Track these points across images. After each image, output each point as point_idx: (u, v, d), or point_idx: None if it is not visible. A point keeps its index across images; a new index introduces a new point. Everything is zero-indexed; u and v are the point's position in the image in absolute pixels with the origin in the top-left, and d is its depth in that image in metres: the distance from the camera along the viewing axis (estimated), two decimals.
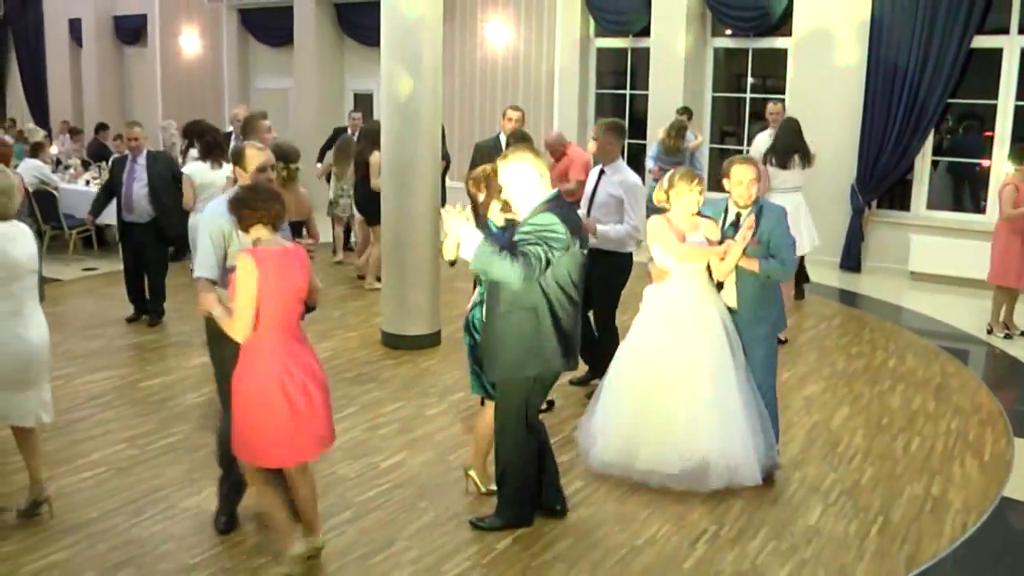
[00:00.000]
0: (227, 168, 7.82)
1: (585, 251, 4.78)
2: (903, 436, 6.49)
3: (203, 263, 4.67)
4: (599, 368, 6.99)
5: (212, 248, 4.66)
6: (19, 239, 4.86)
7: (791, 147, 9.29)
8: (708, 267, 5.54)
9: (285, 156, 6.76)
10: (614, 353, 6.93)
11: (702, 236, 5.51)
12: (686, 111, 11.62)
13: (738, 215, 5.60)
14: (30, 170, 11.38)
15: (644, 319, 5.67)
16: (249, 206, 4.30)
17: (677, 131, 10.90)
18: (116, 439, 6.23)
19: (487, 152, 8.22)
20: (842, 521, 5.22)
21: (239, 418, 4.35)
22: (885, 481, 5.75)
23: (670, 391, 5.42)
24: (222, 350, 4.62)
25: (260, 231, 4.32)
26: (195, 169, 8.41)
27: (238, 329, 4.24)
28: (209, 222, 4.71)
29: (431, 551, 4.84)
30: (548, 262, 4.50)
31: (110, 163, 9.59)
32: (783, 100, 11.63)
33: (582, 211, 6.48)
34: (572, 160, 8.60)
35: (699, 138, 11.50)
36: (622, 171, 6.76)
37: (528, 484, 5.02)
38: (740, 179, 5.55)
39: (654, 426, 5.43)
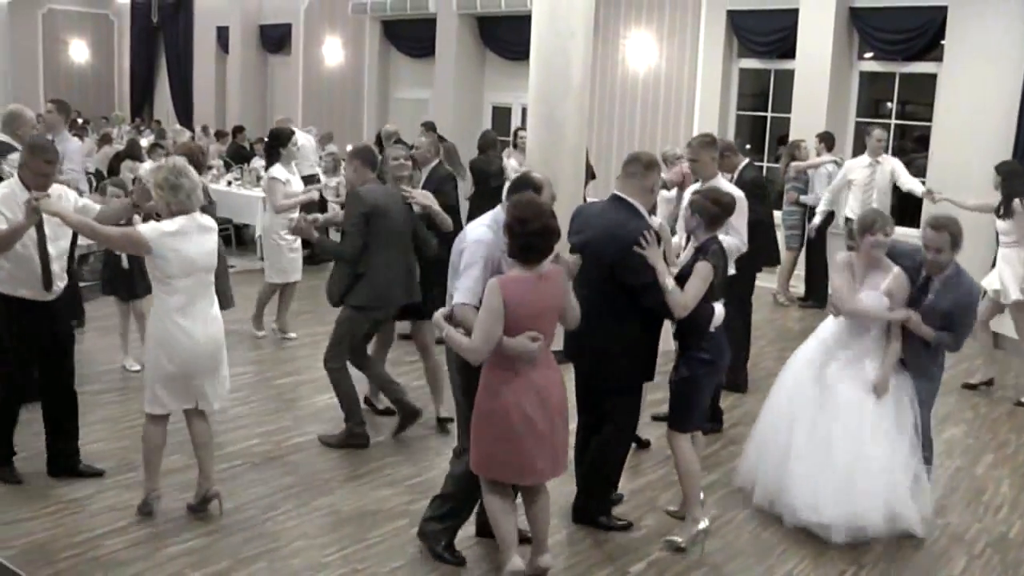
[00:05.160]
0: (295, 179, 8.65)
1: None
2: None
3: (469, 288, 4.48)
4: None
5: (482, 275, 4.47)
6: (193, 235, 4.87)
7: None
8: None
9: None
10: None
11: (886, 289, 5.14)
12: (818, 136, 11.29)
13: (927, 280, 5.25)
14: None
15: (804, 360, 5.45)
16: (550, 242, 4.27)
17: (782, 157, 11.49)
18: (250, 434, 6.37)
19: None
20: None
21: (475, 430, 4.35)
22: None
23: (826, 440, 5.16)
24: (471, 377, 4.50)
25: (543, 263, 4.28)
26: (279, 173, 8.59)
27: (471, 352, 4.21)
28: (483, 247, 4.57)
29: (568, 567, 4.77)
30: None
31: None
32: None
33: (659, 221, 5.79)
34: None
35: (817, 159, 11.12)
36: (721, 185, 6.15)
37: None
38: (926, 246, 5.20)
39: (807, 473, 5.18)
